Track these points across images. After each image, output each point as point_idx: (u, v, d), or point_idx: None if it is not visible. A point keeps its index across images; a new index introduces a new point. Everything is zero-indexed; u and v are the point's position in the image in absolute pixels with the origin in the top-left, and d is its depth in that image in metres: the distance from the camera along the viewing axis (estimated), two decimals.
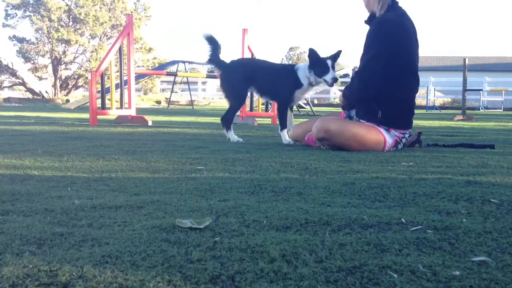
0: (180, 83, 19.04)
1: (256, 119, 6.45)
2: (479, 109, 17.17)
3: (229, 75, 3.52)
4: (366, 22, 3.06)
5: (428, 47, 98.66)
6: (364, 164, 2.27)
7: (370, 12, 3.05)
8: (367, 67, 2.90)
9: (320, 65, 3.21)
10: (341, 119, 3.09)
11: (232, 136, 3.50)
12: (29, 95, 22.54)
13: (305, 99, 12.51)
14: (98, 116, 5.60)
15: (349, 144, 2.83)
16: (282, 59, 52.02)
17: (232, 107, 3.51)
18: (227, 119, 3.50)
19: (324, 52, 3.37)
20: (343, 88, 3.35)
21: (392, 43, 2.83)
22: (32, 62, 23.68)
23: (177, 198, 1.46)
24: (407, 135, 2.99)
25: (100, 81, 5.65)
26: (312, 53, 3.23)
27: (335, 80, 3.20)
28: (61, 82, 24.00)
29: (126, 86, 6.30)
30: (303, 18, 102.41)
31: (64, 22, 23.39)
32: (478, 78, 20.67)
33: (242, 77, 3.48)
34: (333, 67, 3.19)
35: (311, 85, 3.33)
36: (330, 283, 0.82)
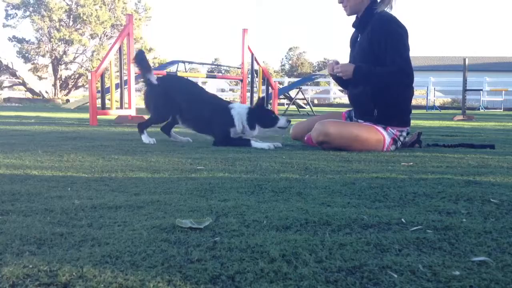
0: None
1: None
2: (479, 109, 17.17)
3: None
4: (356, 25, 2.99)
5: (428, 47, 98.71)
6: (364, 164, 2.27)
7: (354, 14, 2.98)
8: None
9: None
10: (339, 121, 3.08)
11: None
12: (29, 95, 22.55)
13: (305, 99, 12.53)
14: (98, 116, 5.60)
15: (350, 145, 2.83)
16: (282, 59, 52.04)
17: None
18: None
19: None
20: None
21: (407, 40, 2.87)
22: (32, 62, 23.69)
23: (177, 198, 1.46)
24: (404, 133, 2.99)
25: (100, 81, 5.65)
26: None
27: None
28: (61, 82, 24.02)
29: (126, 86, 6.30)
30: (303, 18, 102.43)
31: (65, 22, 23.40)
32: (478, 78, 20.66)
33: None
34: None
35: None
36: (330, 283, 0.82)
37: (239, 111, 3.18)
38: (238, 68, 10.81)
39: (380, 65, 2.82)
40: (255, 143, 3.07)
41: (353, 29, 3.15)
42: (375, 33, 2.82)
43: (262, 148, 2.99)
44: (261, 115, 3.20)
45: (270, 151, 2.83)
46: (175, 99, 3.31)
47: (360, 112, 3.01)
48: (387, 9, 2.92)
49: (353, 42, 3.11)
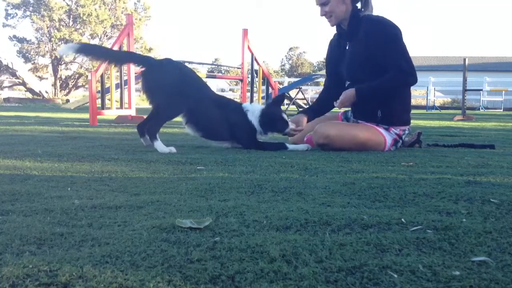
0: None
1: None
2: (479, 109, 17.17)
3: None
4: (345, 33, 2.92)
5: (428, 47, 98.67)
6: (364, 164, 2.27)
7: (338, 23, 2.91)
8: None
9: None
10: (339, 122, 3.07)
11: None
12: (29, 95, 22.56)
13: (305, 99, 12.53)
14: (98, 116, 5.60)
15: (350, 147, 2.83)
16: (282, 59, 52.05)
17: None
18: None
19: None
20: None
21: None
22: (32, 62, 23.70)
23: (177, 198, 1.46)
24: (406, 131, 2.99)
25: (100, 81, 5.65)
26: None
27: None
28: (61, 82, 24.03)
29: (126, 86, 6.31)
30: (303, 18, 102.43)
31: (65, 22, 23.40)
32: (478, 78, 20.67)
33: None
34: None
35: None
36: (330, 283, 0.82)
37: (254, 113, 2.92)
38: (238, 68, 10.82)
39: (380, 68, 2.79)
40: (290, 146, 2.93)
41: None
42: (370, 36, 2.78)
43: (297, 149, 2.90)
44: (273, 118, 2.91)
45: (276, 152, 2.82)
46: (186, 90, 2.83)
47: (361, 112, 3.00)
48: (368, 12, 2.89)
49: (341, 51, 3.02)
